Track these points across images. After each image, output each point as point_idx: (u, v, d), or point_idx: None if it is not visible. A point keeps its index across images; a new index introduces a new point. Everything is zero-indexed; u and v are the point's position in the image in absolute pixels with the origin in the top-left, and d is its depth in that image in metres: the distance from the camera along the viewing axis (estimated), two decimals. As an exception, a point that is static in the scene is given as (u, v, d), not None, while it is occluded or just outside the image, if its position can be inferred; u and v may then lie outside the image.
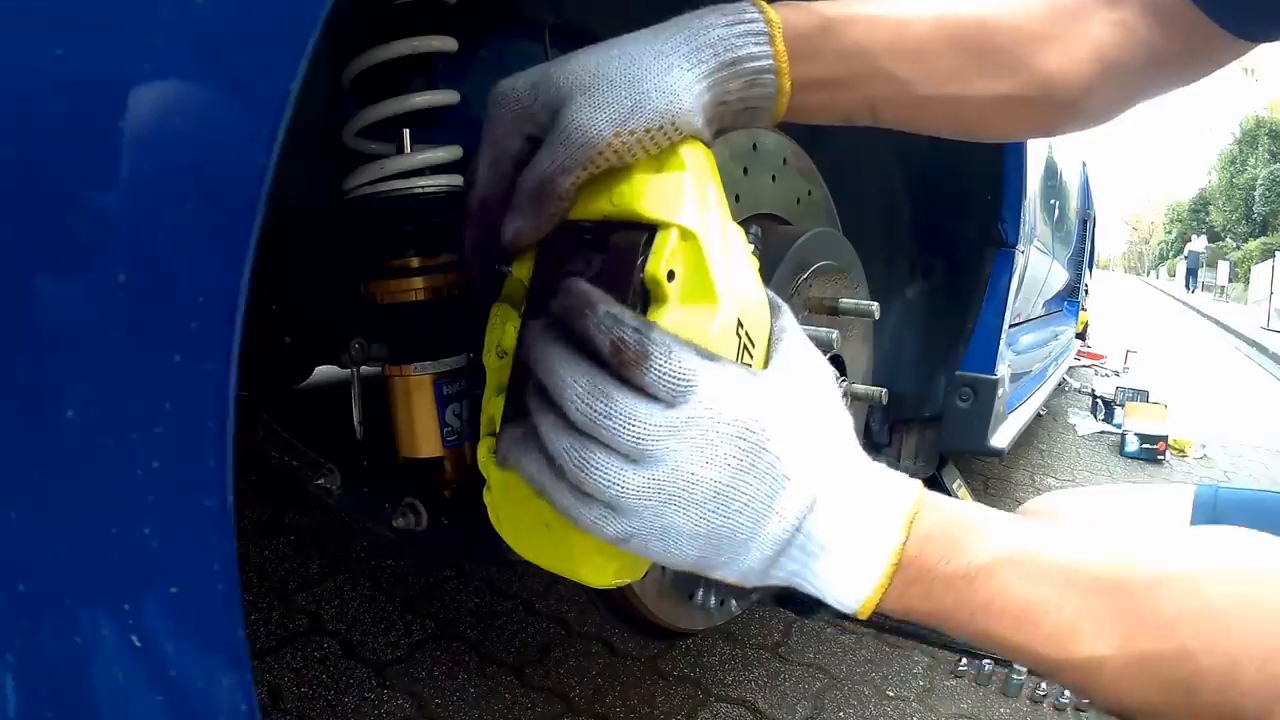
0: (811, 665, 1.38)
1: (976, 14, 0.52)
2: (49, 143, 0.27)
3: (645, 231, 0.44)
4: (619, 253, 0.44)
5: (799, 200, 0.83)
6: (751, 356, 0.47)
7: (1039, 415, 3.16)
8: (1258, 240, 28.78)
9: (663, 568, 0.69)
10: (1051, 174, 2.06)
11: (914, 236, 1.38)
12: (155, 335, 0.29)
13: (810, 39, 0.49)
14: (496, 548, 0.54)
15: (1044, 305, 2.74)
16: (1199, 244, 30.74)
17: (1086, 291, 4.06)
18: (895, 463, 1.52)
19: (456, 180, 0.63)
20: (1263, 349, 8.80)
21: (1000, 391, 1.41)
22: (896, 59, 0.51)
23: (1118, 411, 3.53)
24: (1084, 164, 3.22)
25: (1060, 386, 3.80)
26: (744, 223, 0.73)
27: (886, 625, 1.46)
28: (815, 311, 0.81)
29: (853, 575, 0.41)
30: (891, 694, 1.32)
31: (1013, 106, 0.55)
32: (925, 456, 1.53)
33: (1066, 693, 1.28)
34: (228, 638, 0.32)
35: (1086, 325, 4.42)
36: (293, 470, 0.79)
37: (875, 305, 0.83)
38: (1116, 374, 4.50)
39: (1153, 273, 56.01)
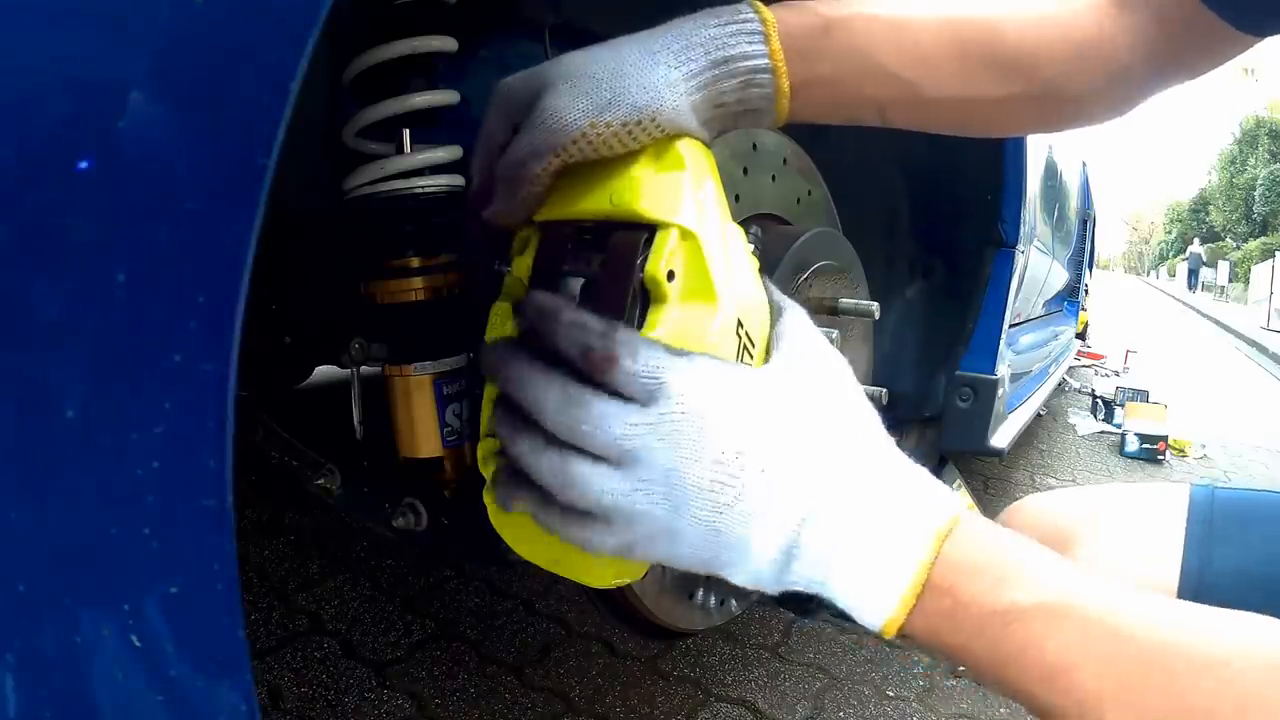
0: (811, 665, 1.38)
1: (982, 15, 0.52)
2: (49, 142, 0.26)
3: (645, 231, 0.44)
4: (618, 252, 0.44)
5: (799, 200, 0.83)
6: (751, 356, 0.47)
7: (1039, 415, 3.16)
8: (1258, 240, 28.84)
9: (663, 568, 0.69)
10: (1051, 174, 2.06)
11: (914, 236, 1.38)
12: (155, 335, 0.29)
13: (809, 39, 0.48)
14: (496, 548, 0.54)
15: (1044, 305, 2.74)
16: (1198, 247, 30.85)
17: (1086, 291, 4.07)
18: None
19: (456, 180, 0.63)
20: (1263, 349, 8.80)
21: (1000, 391, 1.41)
22: (900, 60, 0.50)
23: (1118, 411, 3.53)
24: (1084, 164, 3.22)
25: (1060, 386, 3.80)
26: (744, 223, 0.73)
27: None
28: (815, 311, 0.80)
29: (872, 589, 0.39)
30: (891, 694, 1.32)
31: (1020, 106, 0.54)
32: (925, 456, 1.53)
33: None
34: (227, 638, 0.32)
35: (1086, 325, 4.42)
36: (293, 470, 0.79)
37: (875, 305, 0.83)
38: (1116, 374, 4.50)
39: (1153, 273, 56.04)
